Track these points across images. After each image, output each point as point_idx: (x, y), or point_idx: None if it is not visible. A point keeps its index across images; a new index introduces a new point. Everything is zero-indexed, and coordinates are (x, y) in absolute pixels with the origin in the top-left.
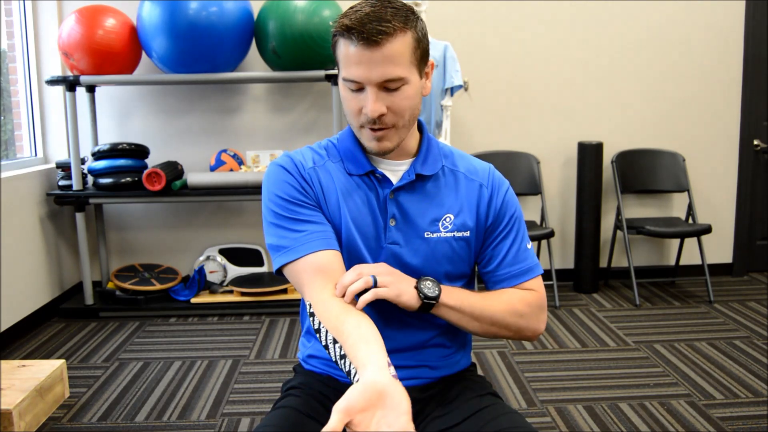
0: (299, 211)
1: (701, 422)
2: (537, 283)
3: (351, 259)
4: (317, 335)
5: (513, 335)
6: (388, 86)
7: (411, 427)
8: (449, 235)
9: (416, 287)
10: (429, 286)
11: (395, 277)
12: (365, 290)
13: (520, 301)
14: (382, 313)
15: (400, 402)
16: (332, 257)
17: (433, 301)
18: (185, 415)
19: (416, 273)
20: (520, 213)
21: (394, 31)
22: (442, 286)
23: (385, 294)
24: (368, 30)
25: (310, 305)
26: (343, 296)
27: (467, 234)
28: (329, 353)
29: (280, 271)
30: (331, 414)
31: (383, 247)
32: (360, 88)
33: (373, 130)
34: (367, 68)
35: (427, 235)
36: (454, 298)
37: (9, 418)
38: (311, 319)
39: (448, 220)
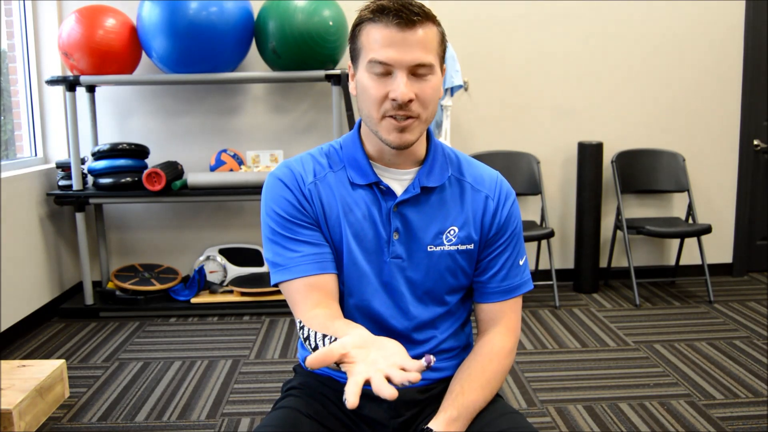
0: (296, 231)
1: (701, 422)
2: (516, 307)
3: (353, 273)
4: (306, 343)
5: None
6: (417, 72)
7: (409, 359)
8: (453, 248)
9: None
10: None
11: None
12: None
13: (494, 366)
14: (381, 332)
15: (395, 344)
16: (326, 281)
17: None
18: (185, 415)
19: (419, 286)
20: (520, 227)
21: (427, 18)
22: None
23: None
24: (406, 11)
25: (300, 321)
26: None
27: (471, 247)
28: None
29: (276, 285)
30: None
31: (386, 261)
32: (387, 73)
33: (397, 119)
34: (400, 50)
35: (431, 248)
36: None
37: (9, 418)
38: (300, 332)
39: (452, 232)
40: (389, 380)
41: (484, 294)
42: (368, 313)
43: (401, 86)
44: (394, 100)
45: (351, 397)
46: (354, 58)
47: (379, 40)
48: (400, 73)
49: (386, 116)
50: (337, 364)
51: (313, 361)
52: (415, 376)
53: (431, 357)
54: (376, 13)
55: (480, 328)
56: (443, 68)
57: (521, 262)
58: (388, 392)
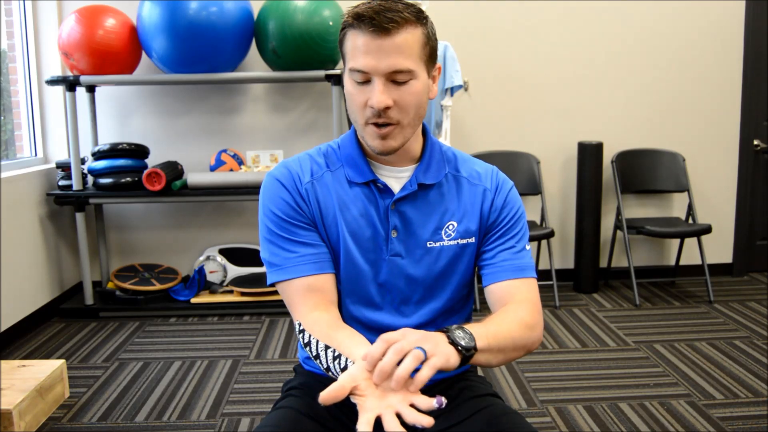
0: (293, 231)
1: (701, 422)
2: (533, 287)
3: (351, 272)
4: (307, 349)
5: (524, 353)
6: (395, 78)
7: (419, 393)
8: (452, 243)
9: (451, 343)
10: (461, 336)
11: (433, 341)
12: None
13: (527, 313)
14: (381, 332)
15: None
16: (324, 281)
17: (473, 351)
18: (185, 415)
19: (419, 283)
20: (522, 213)
21: (406, 22)
22: (467, 327)
23: (438, 363)
24: (380, 18)
25: (300, 324)
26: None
27: (472, 240)
28: (320, 362)
29: (273, 285)
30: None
31: (385, 259)
32: (367, 80)
33: (378, 126)
34: (375, 57)
35: (430, 244)
36: (482, 336)
37: (9, 418)
38: (300, 336)
39: (451, 227)
40: (399, 417)
41: (493, 274)
42: (367, 312)
43: (377, 94)
44: (372, 107)
45: None
46: (343, 61)
47: (358, 48)
48: (377, 80)
49: (368, 123)
50: (348, 395)
51: (326, 397)
52: (428, 421)
53: (443, 399)
54: (354, 20)
55: (494, 309)
56: (437, 67)
57: (527, 248)
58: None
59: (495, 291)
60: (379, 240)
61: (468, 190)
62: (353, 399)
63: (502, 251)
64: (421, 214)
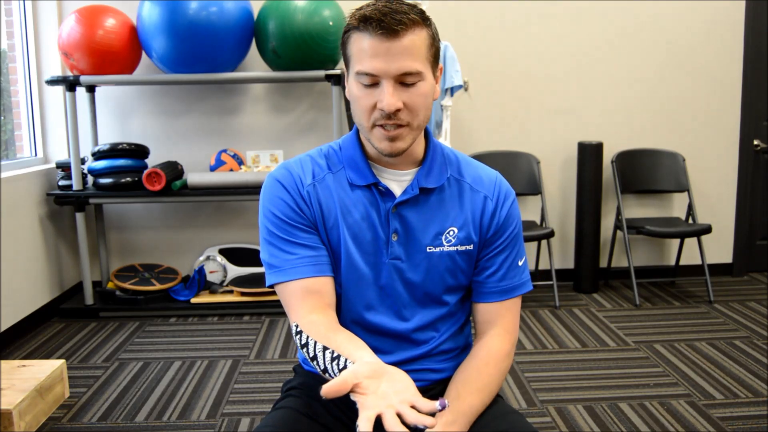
0: (293, 233)
1: (701, 422)
2: (516, 307)
3: (351, 275)
4: (303, 351)
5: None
6: (405, 80)
7: (419, 396)
8: (452, 249)
9: None
10: None
11: None
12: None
13: (506, 345)
14: (380, 335)
15: (405, 378)
16: (322, 284)
17: None
18: (185, 415)
19: (417, 288)
20: (520, 227)
21: (413, 24)
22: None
23: None
24: (388, 20)
25: (296, 325)
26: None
27: (471, 248)
28: (317, 364)
29: (271, 286)
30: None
31: (385, 262)
32: (374, 83)
33: (385, 128)
34: (385, 60)
35: (430, 249)
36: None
37: (9, 418)
38: (297, 337)
39: (451, 233)
40: (400, 417)
41: (482, 294)
42: (366, 315)
43: (387, 97)
44: (382, 110)
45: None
46: (345, 64)
47: (365, 51)
48: (386, 83)
49: (376, 125)
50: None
51: (328, 391)
52: (431, 422)
53: (446, 401)
54: (361, 23)
55: (478, 329)
56: (439, 68)
57: (520, 263)
58: (400, 431)
59: (480, 310)
60: (380, 243)
61: (469, 197)
62: (353, 396)
63: (496, 272)
64: (422, 219)
